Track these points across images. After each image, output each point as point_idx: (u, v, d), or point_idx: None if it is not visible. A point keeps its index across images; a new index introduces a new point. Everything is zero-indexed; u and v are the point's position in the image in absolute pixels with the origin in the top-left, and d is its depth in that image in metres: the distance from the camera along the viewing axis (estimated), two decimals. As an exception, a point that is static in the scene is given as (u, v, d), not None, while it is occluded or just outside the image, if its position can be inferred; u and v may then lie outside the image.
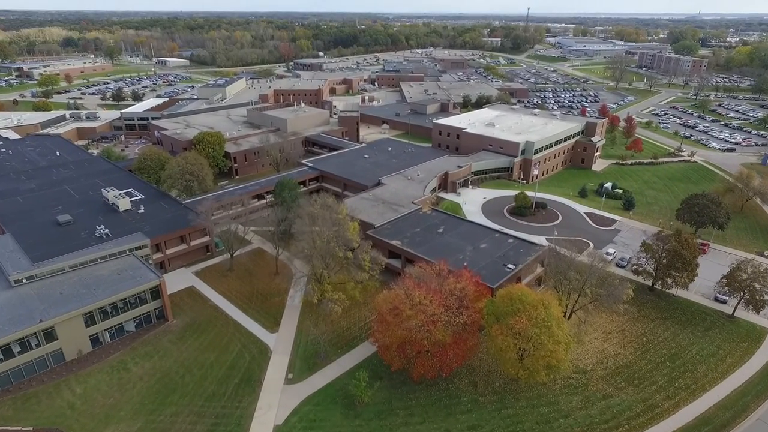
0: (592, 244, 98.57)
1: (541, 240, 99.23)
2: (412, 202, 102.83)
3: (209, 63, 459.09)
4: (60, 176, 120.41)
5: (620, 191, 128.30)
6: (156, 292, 75.89)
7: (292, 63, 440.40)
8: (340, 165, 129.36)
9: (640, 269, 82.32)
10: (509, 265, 79.17)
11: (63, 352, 67.94)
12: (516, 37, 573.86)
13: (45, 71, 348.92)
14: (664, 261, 79.58)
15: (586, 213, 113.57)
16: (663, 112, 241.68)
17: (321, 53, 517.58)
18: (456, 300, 64.33)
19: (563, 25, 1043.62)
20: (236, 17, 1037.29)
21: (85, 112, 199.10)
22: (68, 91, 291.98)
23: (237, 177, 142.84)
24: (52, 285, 72.33)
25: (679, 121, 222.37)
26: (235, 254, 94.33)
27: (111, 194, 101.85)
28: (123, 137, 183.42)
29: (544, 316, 59.28)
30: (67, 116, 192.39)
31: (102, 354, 70.20)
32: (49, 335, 66.12)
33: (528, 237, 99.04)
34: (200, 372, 67.11)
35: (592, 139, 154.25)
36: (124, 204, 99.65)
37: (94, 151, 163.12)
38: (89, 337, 70.13)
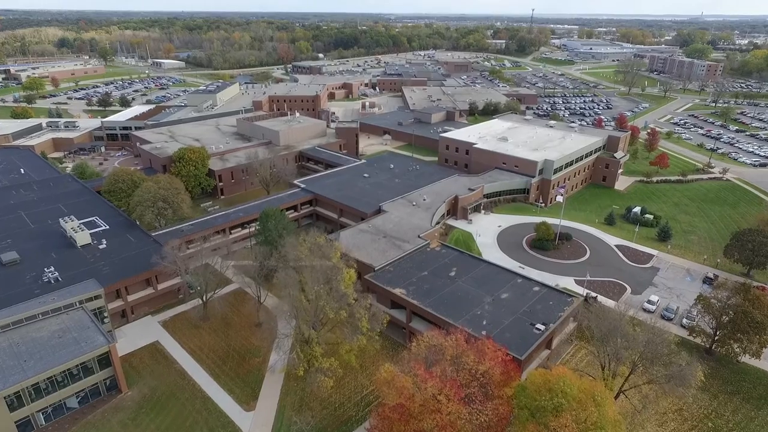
0: (629, 288, 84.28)
1: (568, 282, 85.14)
2: (419, 236, 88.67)
3: (205, 65, 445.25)
4: (19, 200, 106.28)
5: (651, 217, 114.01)
6: (106, 359, 61.83)
7: (290, 65, 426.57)
8: (337, 186, 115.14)
9: (697, 328, 67.99)
10: (538, 326, 64.99)
11: (-21, 446, 54.00)
12: (521, 39, 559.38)
13: (33, 74, 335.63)
14: (726, 320, 65.35)
15: (616, 245, 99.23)
16: (682, 121, 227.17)
17: (321, 55, 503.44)
18: (478, 386, 50.30)
19: (566, 26, 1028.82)
20: (237, 17, 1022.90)
21: (63, 120, 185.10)
22: (54, 96, 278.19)
23: (222, 197, 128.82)
24: (-27, 354, 58.25)
25: (701, 131, 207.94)
26: (212, 297, 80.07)
27: (69, 225, 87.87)
28: (103, 149, 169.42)
29: (596, 418, 45.12)
30: (44, 125, 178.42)
31: (32, 444, 56.17)
32: (-40, 426, 52.25)
33: (554, 279, 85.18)
34: (152, 474, 53.08)
35: (615, 154, 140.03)
36: (83, 238, 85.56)
37: (69, 165, 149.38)
38: (16, 422, 56.07)
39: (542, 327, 64.77)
